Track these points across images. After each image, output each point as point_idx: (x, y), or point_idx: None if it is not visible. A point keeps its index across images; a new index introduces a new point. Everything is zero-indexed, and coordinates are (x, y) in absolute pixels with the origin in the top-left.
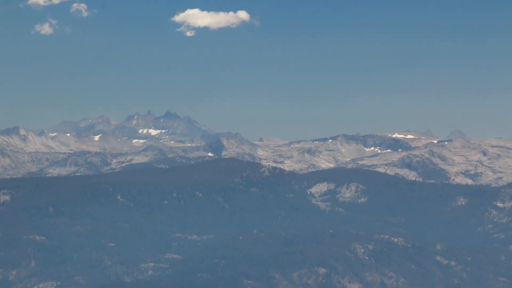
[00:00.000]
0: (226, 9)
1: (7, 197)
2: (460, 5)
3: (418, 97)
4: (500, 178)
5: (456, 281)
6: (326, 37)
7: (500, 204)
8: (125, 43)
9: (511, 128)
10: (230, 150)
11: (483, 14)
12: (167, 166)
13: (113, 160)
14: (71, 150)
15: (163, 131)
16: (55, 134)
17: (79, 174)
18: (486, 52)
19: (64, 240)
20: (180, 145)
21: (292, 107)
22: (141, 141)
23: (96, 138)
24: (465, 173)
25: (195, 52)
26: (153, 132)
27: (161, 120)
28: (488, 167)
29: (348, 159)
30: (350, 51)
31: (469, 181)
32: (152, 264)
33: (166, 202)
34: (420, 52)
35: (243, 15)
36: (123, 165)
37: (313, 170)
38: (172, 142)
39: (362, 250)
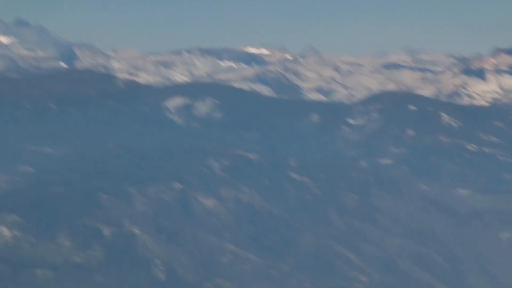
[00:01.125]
0: None
1: None
2: None
3: (272, 11)
4: (352, 95)
5: (309, 198)
6: None
7: (351, 121)
8: None
9: (362, 44)
10: (84, 61)
11: None
12: (19, 76)
13: None
14: None
15: (14, 38)
16: None
17: None
18: None
19: None
20: (32, 54)
21: (146, 17)
22: None
23: None
24: (318, 90)
25: None
26: (3, 39)
27: (12, 28)
28: (341, 83)
29: (204, 74)
30: None
31: (322, 98)
32: (5, 176)
33: (18, 112)
34: None
35: None
36: None
37: (169, 83)
38: (23, 50)
39: (217, 165)
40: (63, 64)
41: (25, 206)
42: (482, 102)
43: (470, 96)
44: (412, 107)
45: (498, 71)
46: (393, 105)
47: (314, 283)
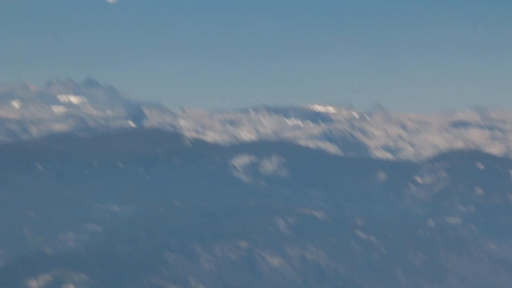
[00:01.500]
0: None
1: None
2: None
3: (340, 69)
4: (420, 153)
5: (375, 256)
6: (248, 8)
7: (419, 179)
8: (42, 7)
9: (431, 102)
10: (152, 119)
11: None
12: (88, 135)
13: (33, 127)
14: None
15: (84, 98)
16: None
17: None
18: (406, 30)
19: None
20: (101, 113)
21: (214, 76)
22: (61, 108)
23: (15, 104)
24: (385, 148)
25: (117, 19)
26: (73, 99)
27: (82, 88)
28: (408, 142)
29: (270, 131)
30: (271, 22)
31: (389, 156)
32: (72, 234)
33: (86, 171)
34: (341, 25)
35: None
36: (43, 133)
37: (235, 141)
38: (93, 110)
39: (283, 223)
40: (131, 123)
41: (92, 264)
42: None
43: None
44: (480, 166)
45: None
46: (461, 164)
47: None
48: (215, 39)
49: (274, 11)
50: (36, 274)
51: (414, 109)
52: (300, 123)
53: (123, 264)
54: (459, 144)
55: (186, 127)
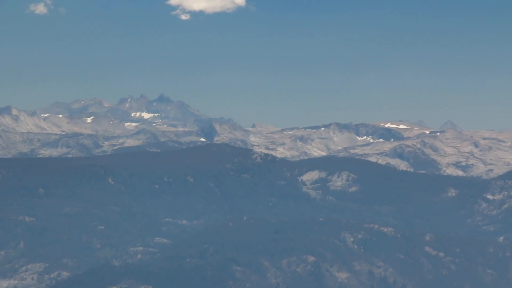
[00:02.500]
0: None
1: None
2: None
3: (412, 87)
4: (491, 170)
5: (444, 272)
6: (321, 26)
7: (490, 196)
8: (119, 23)
9: (503, 120)
10: (223, 135)
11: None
12: (159, 150)
13: (105, 142)
14: (63, 131)
15: (156, 114)
16: (47, 115)
17: (70, 156)
18: (478, 46)
19: (54, 222)
20: (173, 129)
21: (286, 94)
22: (133, 124)
23: (89, 120)
24: (456, 165)
25: (190, 36)
26: (145, 115)
27: (154, 104)
28: (479, 159)
29: (340, 148)
30: (344, 40)
31: (460, 173)
32: (141, 248)
33: (157, 186)
34: (415, 42)
35: (238, 0)
36: (115, 148)
37: (305, 157)
38: (164, 126)
39: (352, 239)
40: (202, 139)
41: (160, 277)
42: None
43: None
44: None
45: None
46: None
47: None
48: (287, 55)
49: (343, 27)
50: (105, 286)
51: (486, 126)
52: (371, 139)
53: (191, 277)
54: None
55: (257, 143)
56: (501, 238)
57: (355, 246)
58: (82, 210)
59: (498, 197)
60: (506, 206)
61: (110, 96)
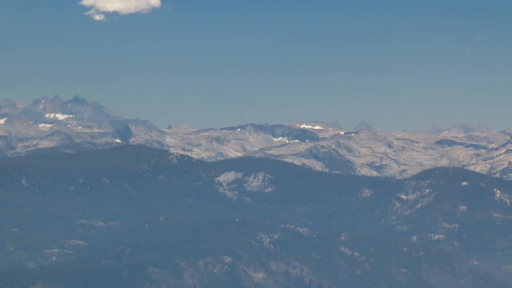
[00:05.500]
0: None
1: None
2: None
3: (327, 88)
4: (405, 170)
5: (359, 272)
6: (237, 28)
7: (403, 196)
8: (33, 24)
9: (416, 121)
10: (138, 136)
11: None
12: (74, 152)
13: (19, 144)
14: None
15: (71, 116)
16: None
17: None
18: (393, 49)
19: None
20: (88, 130)
21: (202, 95)
22: (47, 125)
23: (1, 121)
24: (371, 165)
25: (104, 36)
26: (60, 116)
27: (69, 105)
28: (393, 159)
29: (256, 148)
30: (259, 41)
31: (374, 173)
32: (56, 250)
33: (72, 187)
34: (328, 43)
35: (153, 1)
36: (29, 149)
37: (221, 158)
38: (79, 127)
39: (268, 239)
40: (118, 140)
41: (75, 279)
42: None
43: None
44: (464, 183)
45: None
46: (446, 181)
47: None
48: (203, 57)
49: (259, 29)
50: None
51: (400, 127)
52: (286, 140)
53: (107, 279)
54: (444, 162)
55: (173, 144)
56: (414, 238)
57: (271, 247)
58: None
59: (411, 197)
60: (419, 206)
61: (23, 97)
